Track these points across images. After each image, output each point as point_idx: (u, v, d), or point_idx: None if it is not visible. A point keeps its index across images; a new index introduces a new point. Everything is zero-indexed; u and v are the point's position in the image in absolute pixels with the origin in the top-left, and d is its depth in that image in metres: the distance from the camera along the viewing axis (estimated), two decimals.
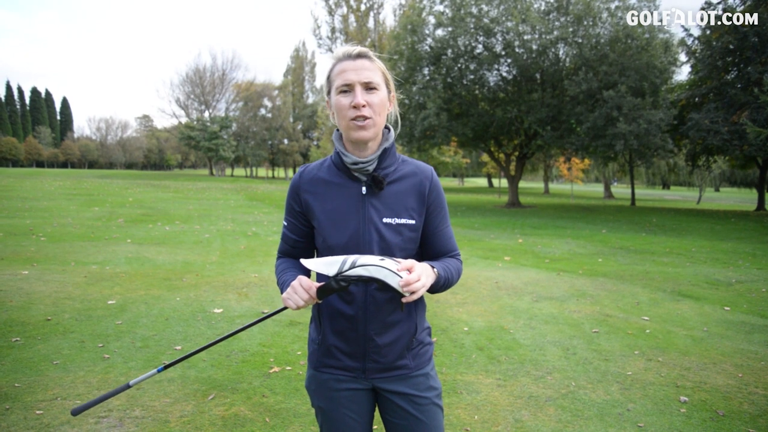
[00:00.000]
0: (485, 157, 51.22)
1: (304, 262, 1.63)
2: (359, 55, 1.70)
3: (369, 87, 1.67)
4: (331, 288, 1.54)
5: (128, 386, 1.75)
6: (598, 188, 68.19)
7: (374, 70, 1.69)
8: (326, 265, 1.56)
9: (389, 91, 1.76)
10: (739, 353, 5.09)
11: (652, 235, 15.90)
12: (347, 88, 1.67)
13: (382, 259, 1.54)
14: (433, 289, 1.68)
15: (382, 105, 1.70)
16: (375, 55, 1.74)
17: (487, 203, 31.46)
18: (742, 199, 50.92)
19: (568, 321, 6.17)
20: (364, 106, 1.65)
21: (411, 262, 1.56)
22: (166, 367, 1.74)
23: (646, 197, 48.52)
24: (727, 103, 23.36)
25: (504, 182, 48.97)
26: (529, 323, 6.06)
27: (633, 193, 34.23)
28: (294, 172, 79.88)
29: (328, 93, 1.76)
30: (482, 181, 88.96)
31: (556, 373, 4.53)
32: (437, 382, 1.86)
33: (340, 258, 1.56)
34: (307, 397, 3.91)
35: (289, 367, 4.49)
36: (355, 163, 1.71)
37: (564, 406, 3.88)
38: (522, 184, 61.31)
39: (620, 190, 66.35)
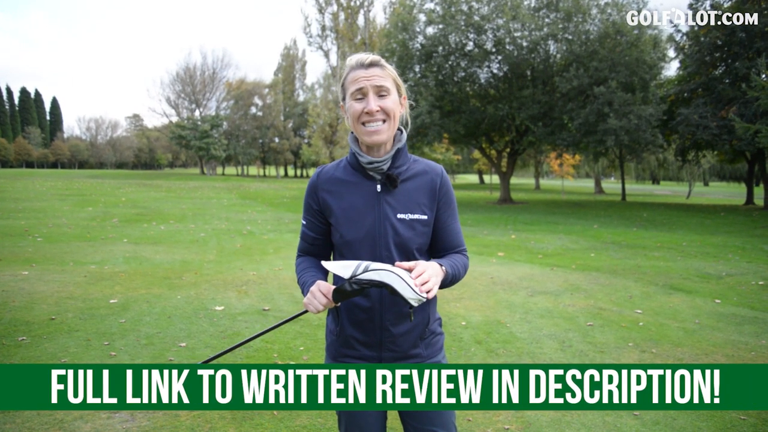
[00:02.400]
0: (477, 154, 51.43)
1: (324, 263, 1.75)
2: (371, 64, 1.81)
3: (381, 93, 1.78)
4: (345, 291, 1.63)
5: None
6: (589, 184, 68.52)
7: (385, 77, 1.81)
8: (342, 267, 1.67)
9: (400, 95, 1.87)
10: (730, 344, 5.24)
11: (643, 229, 16.09)
12: (361, 95, 1.78)
13: (393, 266, 1.65)
14: (441, 285, 1.78)
15: (394, 108, 1.82)
16: (386, 62, 1.86)
17: (479, 199, 31.63)
18: (731, 193, 51.36)
19: (563, 315, 6.31)
20: (377, 111, 1.76)
21: (418, 263, 1.67)
22: (207, 361, 1.84)
23: (636, 192, 48.86)
24: (715, 98, 23.60)
25: (495, 178, 49.22)
26: (525, 317, 6.18)
27: (623, 189, 34.47)
28: (285, 170, 79.40)
29: (343, 99, 1.87)
30: (473, 178, 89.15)
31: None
32: None
33: (355, 262, 1.67)
34: None
35: (292, 363, 4.59)
36: (371, 163, 1.82)
37: None
38: (513, 180, 61.55)
39: (610, 185, 66.77)
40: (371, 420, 1.93)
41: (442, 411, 1.89)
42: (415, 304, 1.62)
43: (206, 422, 3.52)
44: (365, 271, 1.62)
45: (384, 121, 1.78)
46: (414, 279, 1.61)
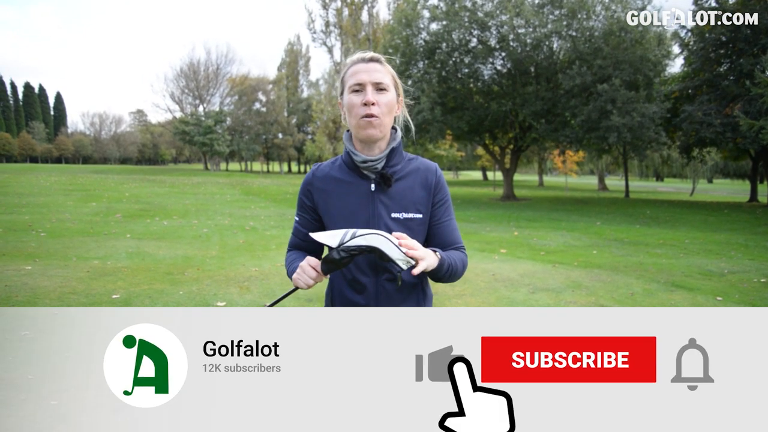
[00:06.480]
0: (480, 151, 51.29)
1: (313, 234, 1.74)
2: (372, 59, 1.83)
3: (379, 87, 1.80)
4: (333, 260, 1.65)
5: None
6: (592, 180, 68.40)
7: (385, 73, 1.82)
8: (330, 236, 1.69)
9: (398, 95, 1.89)
10: None
11: (646, 226, 16.08)
12: (359, 88, 1.79)
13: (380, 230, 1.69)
14: (437, 275, 1.79)
15: (391, 105, 1.83)
16: (386, 59, 1.87)
17: (482, 196, 31.61)
18: (735, 190, 51.20)
19: None
20: (374, 104, 1.77)
21: (412, 240, 1.70)
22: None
23: (640, 189, 48.82)
24: (719, 95, 23.54)
25: (499, 175, 49.10)
26: None
27: (627, 186, 34.40)
28: (288, 166, 79.51)
29: (341, 94, 1.88)
30: (477, 174, 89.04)
31: None
32: None
33: (342, 231, 1.69)
34: None
35: None
36: (365, 162, 1.83)
37: None
38: (516, 176, 61.33)
39: (614, 182, 66.59)
40: None
41: None
42: (403, 266, 1.64)
43: None
44: (353, 237, 1.64)
45: (379, 116, 1.79)
46: (399, 241, 1.64)
